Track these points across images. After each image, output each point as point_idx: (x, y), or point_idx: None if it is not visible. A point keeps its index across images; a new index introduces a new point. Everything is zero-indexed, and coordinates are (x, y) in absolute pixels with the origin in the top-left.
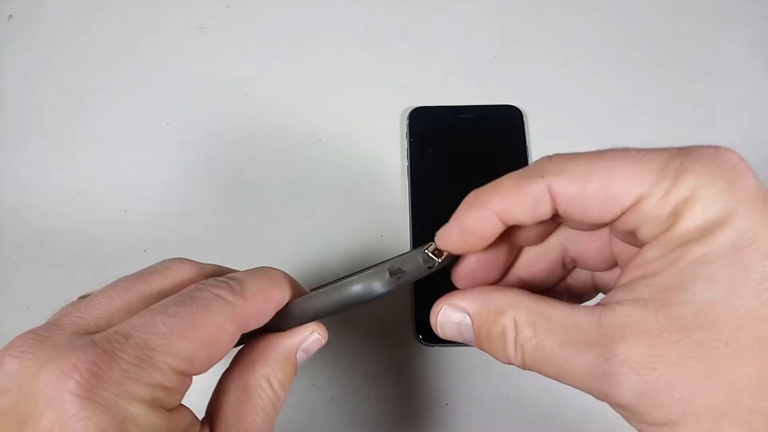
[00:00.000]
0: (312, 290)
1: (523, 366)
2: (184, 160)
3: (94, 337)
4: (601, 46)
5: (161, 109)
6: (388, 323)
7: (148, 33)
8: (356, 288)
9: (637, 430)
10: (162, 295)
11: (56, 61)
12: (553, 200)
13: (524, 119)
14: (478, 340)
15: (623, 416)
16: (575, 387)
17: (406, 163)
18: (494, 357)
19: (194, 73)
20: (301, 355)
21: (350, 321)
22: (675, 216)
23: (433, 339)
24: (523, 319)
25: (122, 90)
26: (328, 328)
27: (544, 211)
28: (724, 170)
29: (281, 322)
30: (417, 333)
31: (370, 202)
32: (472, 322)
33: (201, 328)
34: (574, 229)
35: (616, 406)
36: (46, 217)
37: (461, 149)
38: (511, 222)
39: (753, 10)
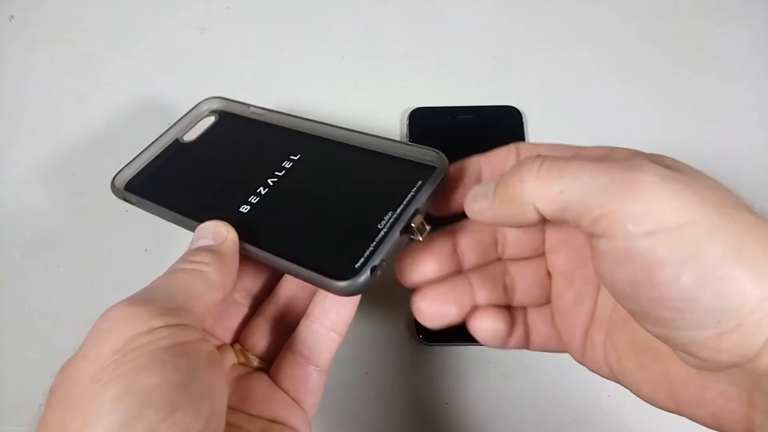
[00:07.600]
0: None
1: (533, 187)
2: None
3: None
4: (601, 46)
5: (161, 109)
6: (388, 323)
7: (149, 33)
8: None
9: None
10: None
11: (57, 62)
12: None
13: (524, 120)
14: (498, 184)
15: (624, 252)
16: (577, 210)
17: None
18: (503, 196)
19: (195, 74)
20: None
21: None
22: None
23: (433, 339)
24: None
25: (122, 90)
26: None
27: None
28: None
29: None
30: (417, 333)
31: None
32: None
33: None
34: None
35: (625, 227)
36: (47, 217)
37: (461, 150)
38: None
39: (753, 10)
